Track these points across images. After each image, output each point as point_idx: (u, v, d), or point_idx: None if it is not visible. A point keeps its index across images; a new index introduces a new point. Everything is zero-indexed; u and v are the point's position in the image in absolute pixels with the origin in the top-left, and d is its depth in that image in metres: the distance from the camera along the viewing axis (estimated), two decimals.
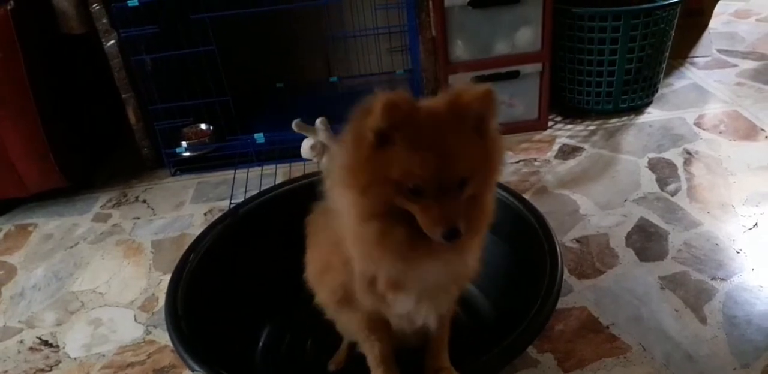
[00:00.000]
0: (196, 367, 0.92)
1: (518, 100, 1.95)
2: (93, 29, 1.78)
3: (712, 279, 1.33)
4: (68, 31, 1.77)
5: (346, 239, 0.79)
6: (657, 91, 2.09)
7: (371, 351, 0.91)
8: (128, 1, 1.71)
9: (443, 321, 0.93)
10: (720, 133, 1.89)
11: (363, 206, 0.73)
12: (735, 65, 2.31)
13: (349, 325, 0.92)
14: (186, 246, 1.19)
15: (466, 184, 0.72)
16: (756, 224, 1.48)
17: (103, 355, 1.31)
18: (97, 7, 1.74)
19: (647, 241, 1.46)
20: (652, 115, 2.03)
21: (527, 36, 1.84)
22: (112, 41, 1.79)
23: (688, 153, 1.80)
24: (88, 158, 2.00)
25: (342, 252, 0.81)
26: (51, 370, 1.29)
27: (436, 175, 0.69)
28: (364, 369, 0.92)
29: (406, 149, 0.69)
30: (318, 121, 1.82)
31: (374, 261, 0.78)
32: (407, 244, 0.74)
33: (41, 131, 1.70)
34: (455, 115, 0.71)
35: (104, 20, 1.76)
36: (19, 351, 1.35)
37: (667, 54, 2.02)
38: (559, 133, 1.98)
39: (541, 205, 1.29)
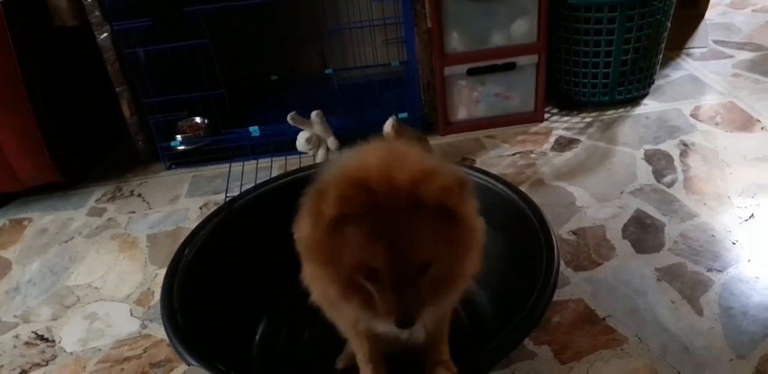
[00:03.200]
0: (192, 361, 0.91)
1: (514, 92, 1.95)
2: (86, 22, 1.76)
3: (708, 271, 1.33)
4: (61, 23, 1.75)
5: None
6: (653, 83, 2.09)
7: (360, 350, 0.91)
8: None
9: (442, 319, 0.91)
10: (716, 124, 1.88)
11: (324, 275, 0.74)
12: (731, 56, 2.31)
13: (340, 323, 0.92)
14: (181, 240, 1.18)
15: (428, 268, 0.70)
16: (752, 215, 1.49)
17: (99, 349, 1.31)
18: (90, 0, 1.73)
19: (643, 233, 1.46)
20: (649, 106, 2.03)
21: (523, 27, 1.84)
22: (105, 34, 1.78)
23: (685, 144, 1.80)
24: (82, 152, 1.99)
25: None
26: (47, 365, 1.29)
27: (389, 263, 0.67)
28: None
29: (359, 236, 0.67)
30: (313, 114, 1.81)
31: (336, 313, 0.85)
32: (367, 308, 0.73)
33: (35, 125, 1.69)
34: (414, 204, 0.67)
35: (97, 13, 1.75)
36: (14, 346, 1.35)
37: (663, 45, 2.02)
38: (555, 125, 1.98)
39: (538, 197, 1.28)
